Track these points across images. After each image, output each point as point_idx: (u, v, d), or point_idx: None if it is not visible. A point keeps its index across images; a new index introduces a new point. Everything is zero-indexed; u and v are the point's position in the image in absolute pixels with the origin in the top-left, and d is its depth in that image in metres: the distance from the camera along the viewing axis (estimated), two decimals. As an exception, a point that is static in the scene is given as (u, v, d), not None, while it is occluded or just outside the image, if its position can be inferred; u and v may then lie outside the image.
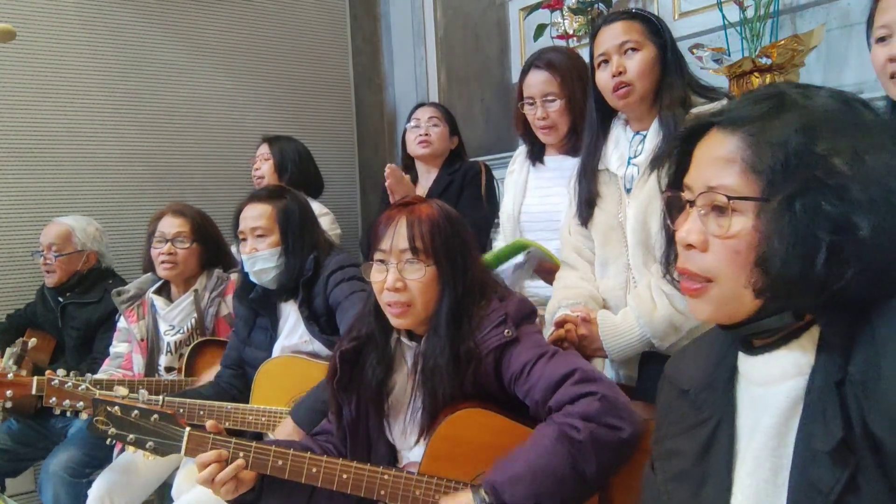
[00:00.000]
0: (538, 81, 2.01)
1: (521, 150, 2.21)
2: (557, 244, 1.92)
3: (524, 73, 2.07)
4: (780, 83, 1.05)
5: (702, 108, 1.56)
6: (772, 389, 0.84)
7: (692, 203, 0.85)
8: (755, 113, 0.81)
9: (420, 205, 1.46)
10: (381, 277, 1.43)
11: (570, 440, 1.23)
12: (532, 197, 2.11)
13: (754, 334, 0.85)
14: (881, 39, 1.42)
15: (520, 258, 1.87)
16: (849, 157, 0.75)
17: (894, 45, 1.39)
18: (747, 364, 0.89)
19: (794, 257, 0.76)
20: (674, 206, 0.90)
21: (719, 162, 0.82)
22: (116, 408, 1.49)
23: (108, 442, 1.51)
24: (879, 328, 0.75)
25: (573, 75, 1.99)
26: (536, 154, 2.12)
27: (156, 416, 1.47)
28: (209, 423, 1.46)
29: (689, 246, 0.84)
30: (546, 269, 1.94)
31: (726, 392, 0.91)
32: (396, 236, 1.42)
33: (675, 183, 0.90)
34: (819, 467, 0.77)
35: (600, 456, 1.23)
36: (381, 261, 1.44)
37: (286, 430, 1.88)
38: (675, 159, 0.91)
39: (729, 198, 0.80)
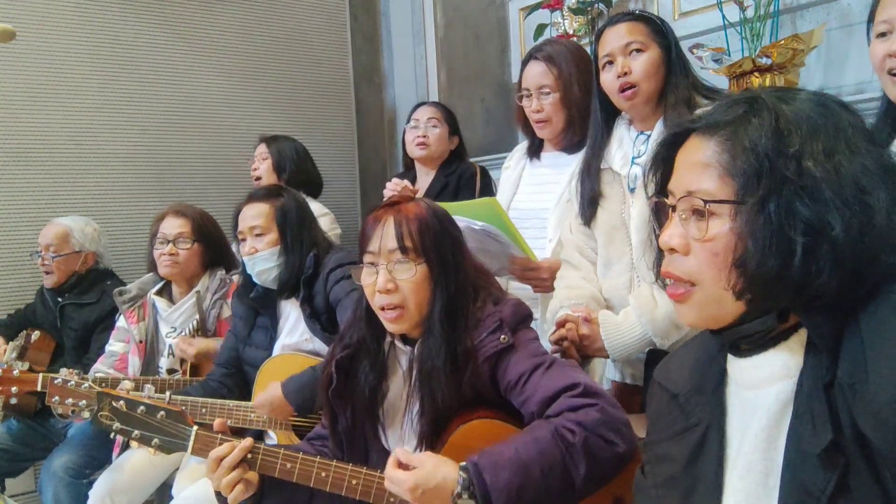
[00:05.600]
0: (535, 73, 1.97)
1: (519, 146, 2.19)
2: (543, 243, 1.91)
3: (524, 64, 2.05)
4: (758, 88, 1.06)
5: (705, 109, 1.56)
6: (761, 392, 0.85)
7: (674, 208, 0.87)
8: (729, 117, 0.83)
9: (407, 203, 1.42)
10: (372, 280, 1.38)
11: (564, 440, 1.20)
12: (523, 193, 2.08)
13: (742, 337, 0.86)
14: (881, 35, 1.40)
15: (477, 224, 1.74)
16: (821, 158, 0.77)
17: (894, 41, 1.37)
18: (736, 367, 0.89)
19: (770, 258, 0.77)
20: (660, 212, 0.92)
21: (697, 167, 0.84)
22: (122, 402, 1.45)
23: (111, 436, 1.48)
24: (866, 329, 0.75)
25: (571, 69, 1.94)
26: (535, 149, 2.09)
27: (162, 412, 1.43)
28: (217, 422, 1.42)
29: (672, 250, 0.86)
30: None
31: (716, 396, 0.91)
32: (385, 236, 1.37)
33: (661, 189, 0.92)
34: (809, 469, 0.77)
35: (591, 464, 1.20)
36: (371, 263, 1.39)
37: (274, 401, 1.89)
38: (659, 166, 0.92)
39: (705, 201, 0.81)
